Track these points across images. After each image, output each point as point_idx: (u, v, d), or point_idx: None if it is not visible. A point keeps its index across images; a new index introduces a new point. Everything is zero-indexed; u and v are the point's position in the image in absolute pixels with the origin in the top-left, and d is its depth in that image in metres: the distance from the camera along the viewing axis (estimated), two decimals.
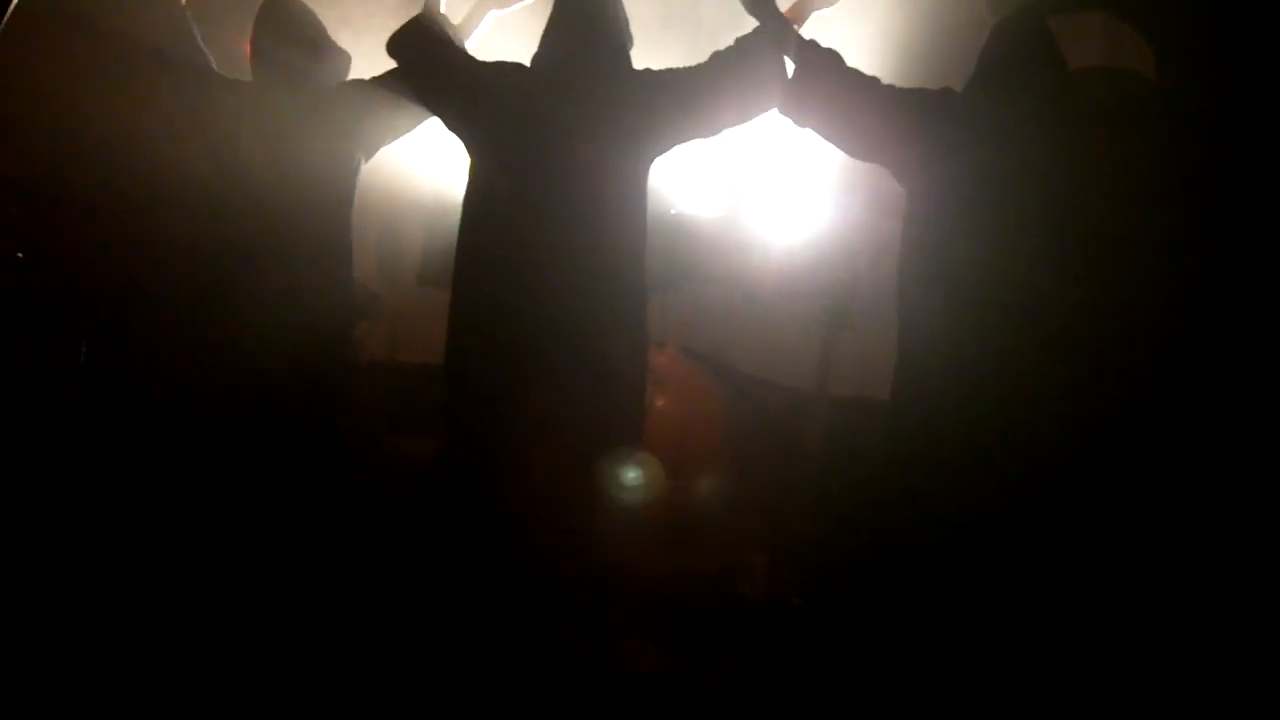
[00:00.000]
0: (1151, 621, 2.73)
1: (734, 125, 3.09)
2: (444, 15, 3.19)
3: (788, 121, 3.09)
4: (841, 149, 3.05)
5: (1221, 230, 2.81)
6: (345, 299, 3.37)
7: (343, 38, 3.41)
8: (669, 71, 3.04)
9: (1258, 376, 2.75)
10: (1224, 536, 2.72)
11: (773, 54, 3.00)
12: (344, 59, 3.41)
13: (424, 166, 3.71)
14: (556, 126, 2.99)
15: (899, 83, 3.01)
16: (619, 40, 3.08)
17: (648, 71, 3.07)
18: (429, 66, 3.11)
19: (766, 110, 3.05)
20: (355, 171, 3.34)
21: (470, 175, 3.11)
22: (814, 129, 3.04)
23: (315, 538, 3.19)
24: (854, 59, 3.03)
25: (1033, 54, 2.92)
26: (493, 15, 3.24)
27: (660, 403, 3.41)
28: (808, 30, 3.06)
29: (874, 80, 2.99)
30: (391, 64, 3.22)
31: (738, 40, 3.04)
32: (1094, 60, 3.18)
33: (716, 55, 3.04)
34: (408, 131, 3.32)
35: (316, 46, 3.35)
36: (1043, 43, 2.93)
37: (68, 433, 3.33)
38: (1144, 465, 2.81)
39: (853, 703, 2.86)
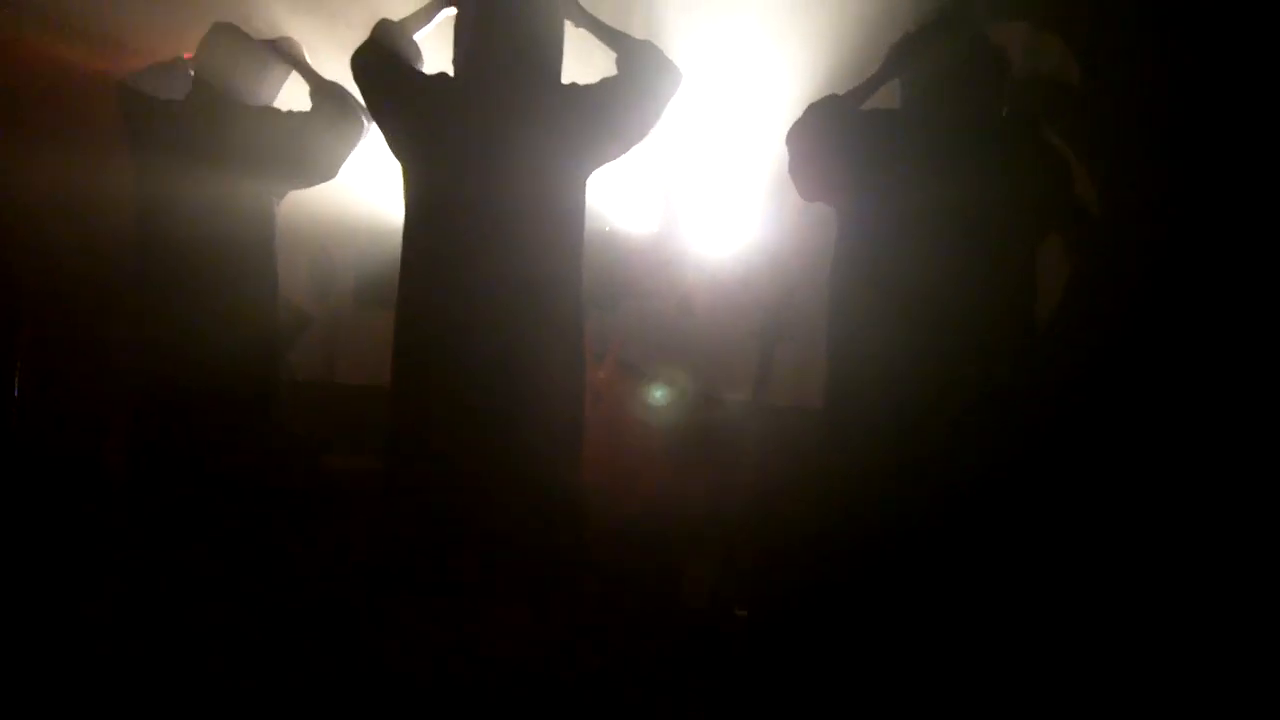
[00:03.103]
0: (1086, 625, 2.78)
1: (641, 138, 3.11)
2: (399, 26, 3.18)
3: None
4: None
5: (1154, 238, 2.87)
6: (271, 319, 3.37)
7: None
8: (589, 87, 3.06)
9: (1196, 382, 2.80)
10: (1159, 546, 2.77)
11: (666, 63, 3.06)
12: (286, 71, 3.42)
13: (358, 185, 3.70)
14: (489, 141, 3.00)
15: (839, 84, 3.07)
16: (546, 52, 3.09)
17: (574, 86, 3.08)
18: (387, 84, 3.11)
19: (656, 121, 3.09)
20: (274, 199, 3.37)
21: (409, 192, 3.11)
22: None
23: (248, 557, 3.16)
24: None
25: (968, 66, 2.96)
26: (445, 13, 3.22)
27: (600, 416, 3.41)
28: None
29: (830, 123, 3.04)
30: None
31: (628, 53, 3.08)
32: (1019, 69, 3.23)
33: (616, 75, 3.08)
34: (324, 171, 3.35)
35: (262, 73, 3.39)
36: (980, 55, 2.98)
37: None
38: (1078, 471, 2.85)
39: (799, 712, 2.87)
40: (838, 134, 3.01)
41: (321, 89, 3.35)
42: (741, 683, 3.02)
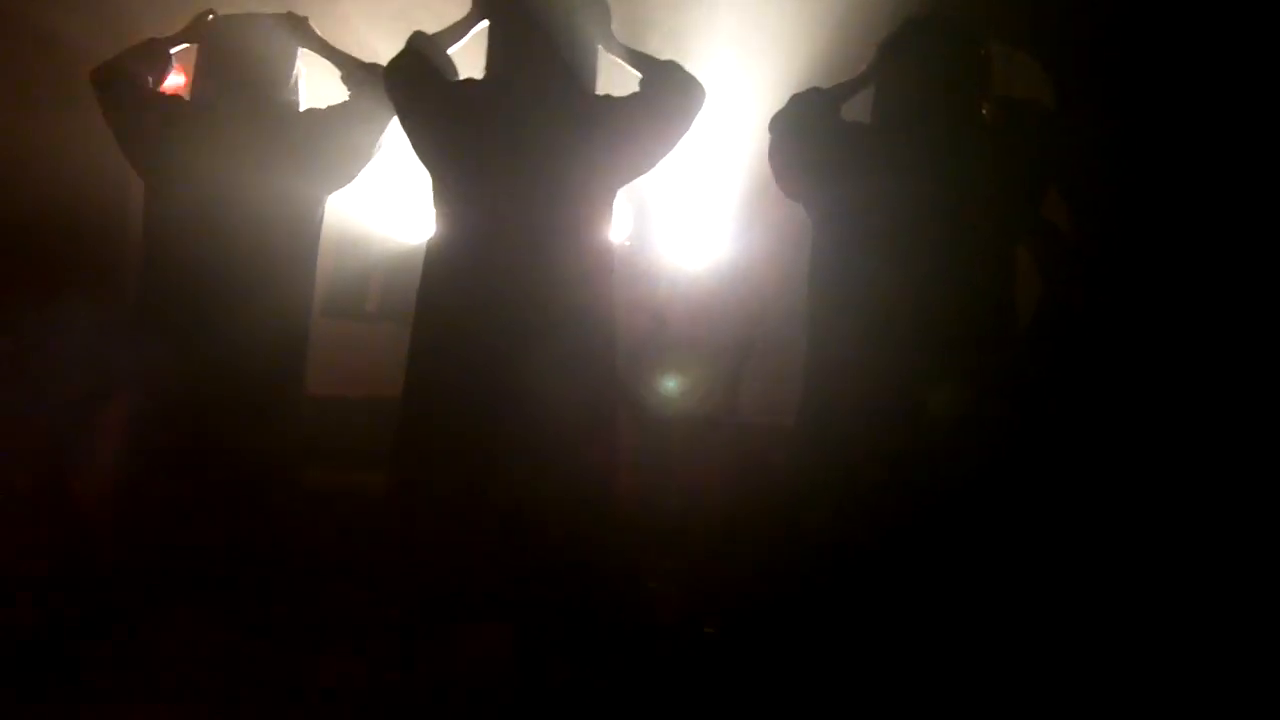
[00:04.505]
0: (1059, 641, 2.78)
1: (668, 152, 3.11)
2: (434, 39, 3.15)
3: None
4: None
5: (1122, 254, 2.88)
6: (303, 330, 3.34)
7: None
8: (618, 101, 3.07)
9: (1165, 390, 2.83)
10: (1133, 564, 2.80)
11: (692, 79, 3.06)
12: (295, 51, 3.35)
13: (332, 198, 3.67)
14: (519, 155, 2.99)
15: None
16: (577, 69, 3.07)
17: (605, 99, 3.08)
18: (421, 96, 3.10)
19: (682, 136, 3.10)
20: (318, 204, 3.33)
21: (437, 204, 3.10)
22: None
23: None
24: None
25: (951, 68, 2.98)
26: (479, 27, 3.20)
27: None
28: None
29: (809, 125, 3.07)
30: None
31: (653, 73, 3.08)
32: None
33: (641, 91, 3.08)
34: (365, 163, 3.32)
35: (276, 71, 3.31)
36: (963, 57, 2.99)
37: None
38: (1052, 486, 2.86)
39: None
40: (817, 124, 3.04)
41: (356, 71, 3.29)
42: (709, 700, 3.00)
